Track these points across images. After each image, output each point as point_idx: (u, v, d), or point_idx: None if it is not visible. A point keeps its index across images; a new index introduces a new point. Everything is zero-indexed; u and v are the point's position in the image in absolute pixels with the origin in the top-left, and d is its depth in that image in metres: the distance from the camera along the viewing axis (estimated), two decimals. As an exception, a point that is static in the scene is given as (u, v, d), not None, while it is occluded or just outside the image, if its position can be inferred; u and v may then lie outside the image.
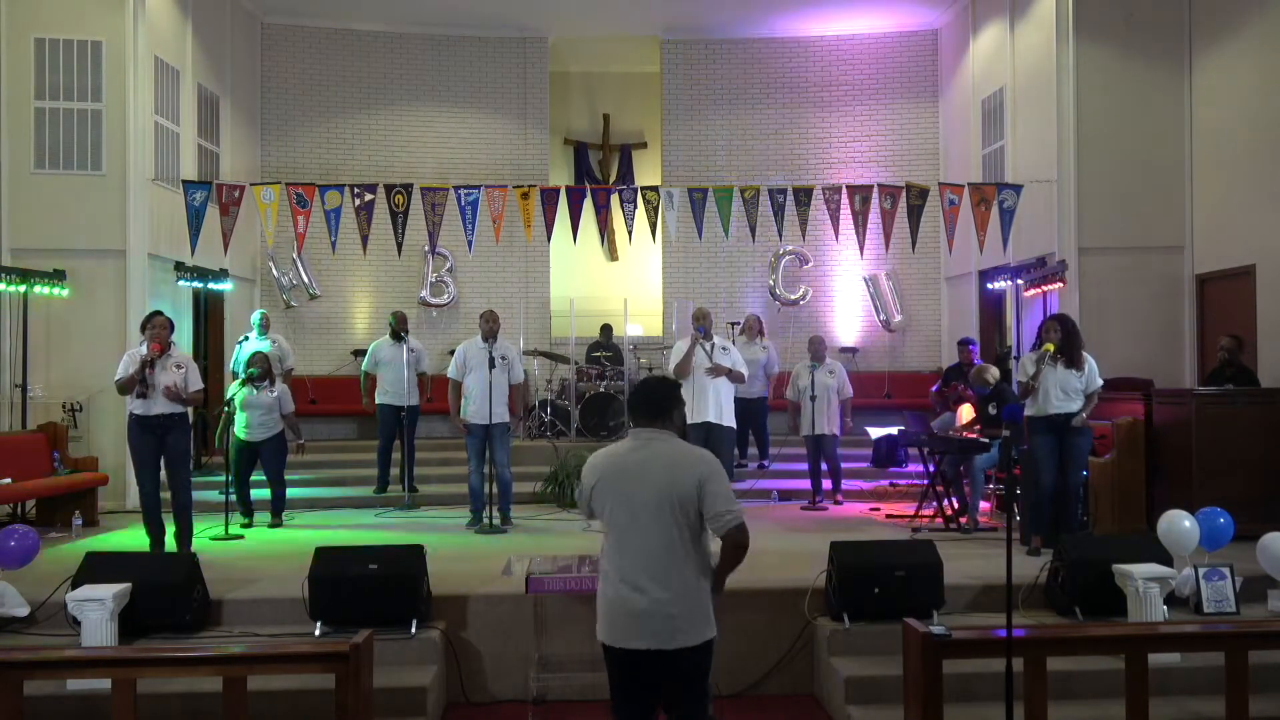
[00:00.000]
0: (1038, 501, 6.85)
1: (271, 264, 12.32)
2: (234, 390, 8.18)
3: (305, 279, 12.41)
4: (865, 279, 12.89)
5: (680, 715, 3.57)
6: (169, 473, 6.97)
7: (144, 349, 6.74)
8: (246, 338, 9.86)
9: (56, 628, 5.37)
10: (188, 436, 7.25)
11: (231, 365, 10.05)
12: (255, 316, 10.04)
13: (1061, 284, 9.55)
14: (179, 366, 6.82)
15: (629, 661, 3.49)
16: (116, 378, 6.77)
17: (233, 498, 8.11)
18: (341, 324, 12.74)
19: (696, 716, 3.56)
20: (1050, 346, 6.71)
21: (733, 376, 8.18)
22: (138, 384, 6.64)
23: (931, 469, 8.21)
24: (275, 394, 8.10)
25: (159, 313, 7.02)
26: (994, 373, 8.32)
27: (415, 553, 5.49)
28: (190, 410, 7.32)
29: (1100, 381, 6.88)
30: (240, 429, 8.10)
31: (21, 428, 8.81)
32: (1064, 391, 6.70)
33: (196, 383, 6.97)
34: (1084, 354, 6.82)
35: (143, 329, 6.86)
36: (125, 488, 9.12)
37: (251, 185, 10.31)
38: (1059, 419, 6.70)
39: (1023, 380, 6.82)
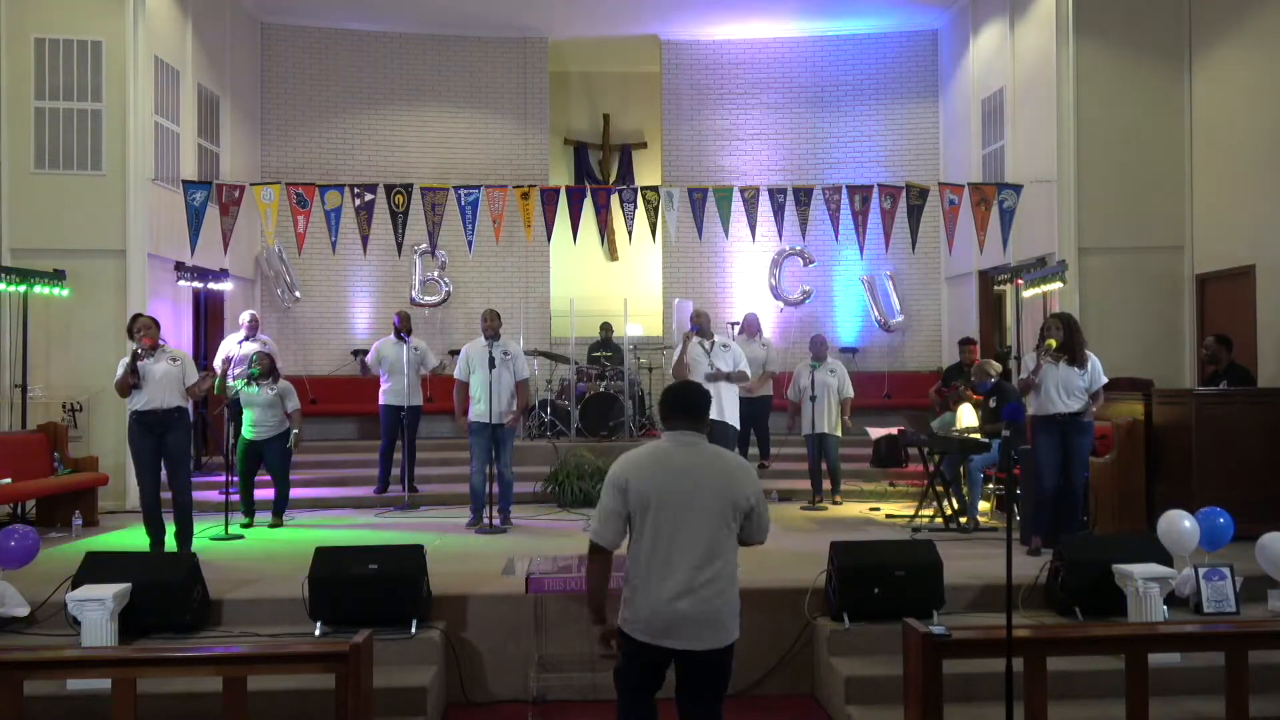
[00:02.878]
0: (1039, 501, 6.83)
1: (264, 264, 12.34)
2: (236, 389, 8.18)
3: (289, 281, 12.41)
4: (865, 279, 12.89)
5: (705, 707, 3.58)
6: (169, 473, 6.98)
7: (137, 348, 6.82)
8: (246, 339, 9.81)
9: (56, 628, 5.36)
10: (188, 436, 7.26)
11: (217, 361, 9.93)
12: (244, 317, 9.99)
13: (1061, 284, 9.55)
14: (174, 360, 6.89)
15: (662, 660, 3.48)
16: (115, 380, 6.82)
17: (234, 497, 8.10)
18: (341, 324, 12.74)
19: (718, 706, 3.60)
20: (1052, 343, 6.69)
21: (734, 378, 8.17)
22: (130, 377, 6.69)
23: (931, 469, 8.20)
24: (275, 391, 8.09)
25: (141, 314, 7.10)
26: (996, 366, 8.32)
27: (415, 553, 5.49)
28: (190, 409, 7.34)
29: (1104, 379, 6.82)
30: (246, 428, 8.12)
31: (21, 428, 8.81)
32: (1065, 390, 6.67)
33: (194, 375, 7.04)
34: (1087, 352, 6.79)
35: (130, 335, 6.91)
36: (125, 488, 9.12)
37: (251, 185, 10.31)
38: (1061, 418, 6.68)
39: (1023, 376, 6.80)
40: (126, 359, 6.81)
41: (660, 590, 3.43)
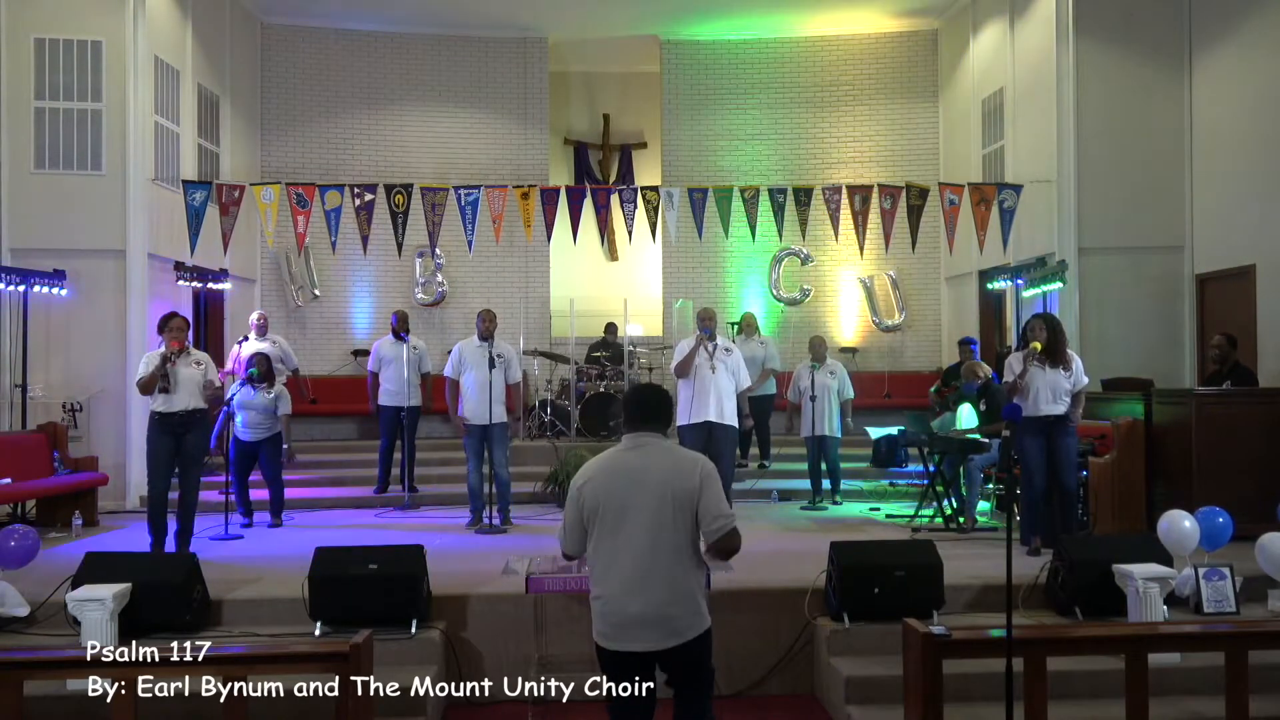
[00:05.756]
0: (1032, 502, 6.85)
1: (286, 261, 12.36)
2: (233, 390, 8.19)
3: (310, 279, 12.43)
4: (865, 279, 12.89)
5: (685, 701, 3.60)
6: (181, 471, 6.95)
7: (163, 348, 6.82)
8: (246, 338, 9.84)
9: (56, 628, 5.37)
10: (206, 436, 7.30)
11: (230, 365, 9.99)
12: (254, 317, 10.02)
13: (1061, 284, 9.55)
14: (198, 363, 6.94)
15: (628, 663, 3.51)
16: (137, 378, 6.82)
17: (233, 498, 8.11)
18: (341, 324, 12.74)
19: (701, 701, 3.60)
20: (1038, 346, 6.69)
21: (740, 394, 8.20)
22: (159, 380, 6.69)
23: (931, 469, 8.20)
24: (273, 395, 8.10)
25: (177, 314, 7.05)
26: (985, 368, 8.35)
27: (415, 553, 5.49)
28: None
29: (1086, 380, 6.86)
30: (240, 429, 8.11)
31: (21, 428, 8.81)
32: (1053, 393, 6.68)
33: (216, 379, 7.13)
34: (1070, 352, 6.82)
35: (160, 330, 6.91)
36: (125, 488, 9.13)
37: (251, 185, 10.32)
38: (1047, 420, 6.68)
39: (1009, 380, 6.80)
40: (151, 356, 6.79)
41: (612, 593, 3.48)
